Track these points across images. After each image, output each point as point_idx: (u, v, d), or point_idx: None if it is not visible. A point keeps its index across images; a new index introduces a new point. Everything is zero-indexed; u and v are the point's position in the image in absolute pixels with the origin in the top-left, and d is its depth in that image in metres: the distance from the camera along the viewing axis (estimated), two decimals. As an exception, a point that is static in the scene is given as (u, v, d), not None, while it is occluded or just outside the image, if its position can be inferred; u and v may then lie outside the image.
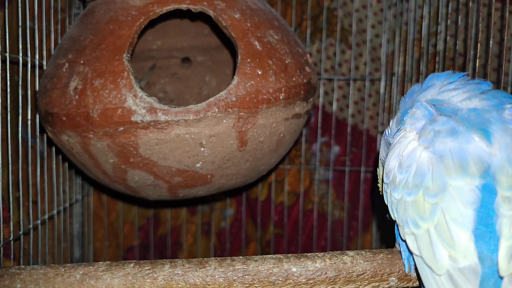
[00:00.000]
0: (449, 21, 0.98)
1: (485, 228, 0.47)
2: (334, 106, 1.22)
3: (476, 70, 0.79)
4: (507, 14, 0.76)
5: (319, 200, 1.25)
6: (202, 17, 0.97)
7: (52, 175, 0.99)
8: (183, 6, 0.81)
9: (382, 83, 1.21)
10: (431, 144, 0.51)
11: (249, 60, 0.78)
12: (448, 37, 0.99)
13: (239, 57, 0.78)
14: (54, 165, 0.99)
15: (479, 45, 0.79)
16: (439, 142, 0.51)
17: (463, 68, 0.97)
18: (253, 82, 0.77)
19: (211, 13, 0.81)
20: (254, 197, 1.24)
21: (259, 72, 0.78)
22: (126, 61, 0.76)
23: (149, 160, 0.78)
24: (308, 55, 0.90)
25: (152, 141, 0.76)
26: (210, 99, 0.75)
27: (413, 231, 0.50)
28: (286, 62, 0.82)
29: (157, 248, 1.26)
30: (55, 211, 1.00)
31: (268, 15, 0.87)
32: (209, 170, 0.81)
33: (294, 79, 0.82)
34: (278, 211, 1.25)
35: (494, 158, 0.48)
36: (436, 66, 0.97)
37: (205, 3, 0.81)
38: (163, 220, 1.25)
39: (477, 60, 0.79)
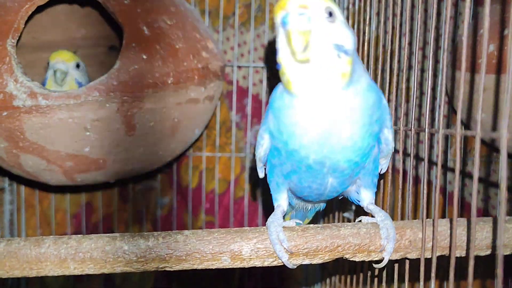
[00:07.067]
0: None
1: None
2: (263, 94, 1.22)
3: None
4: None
5: (250, 188, 1.25)
6: (93, 4, 0.95)
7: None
8: (71, -8, 0.81)
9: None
10: None
11: (134, 44, 0.79)
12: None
13: (124, 41, 0.79)
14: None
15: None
16: None
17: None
18: (136, 67, 0.78)
19: (99, -2, 0.81)
20: (185, 185, 1.25)
21: (144, 57, 0.79)
22: (10, 46, 0.77)
23: (37, 145, 0.79)
24: (209, 40, 0.90)
25: (36, 126, 0.76)
26: (91, 83, 0.76)
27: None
28: (177, 47, 0.82)
29: (91, 235, 1.27)
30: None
31: (165, 1, 0.87)
32: (99, 155, 0.82)
33: (185, 63, 0.82)
34: (209, 199, 1.25)
35: None
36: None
37: (94, -11, 0.82)
38: (95, 208, 1.26)
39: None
